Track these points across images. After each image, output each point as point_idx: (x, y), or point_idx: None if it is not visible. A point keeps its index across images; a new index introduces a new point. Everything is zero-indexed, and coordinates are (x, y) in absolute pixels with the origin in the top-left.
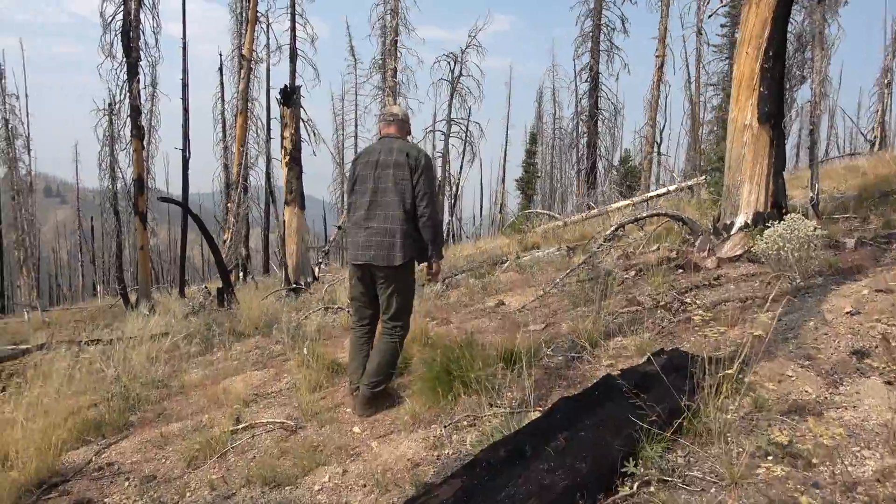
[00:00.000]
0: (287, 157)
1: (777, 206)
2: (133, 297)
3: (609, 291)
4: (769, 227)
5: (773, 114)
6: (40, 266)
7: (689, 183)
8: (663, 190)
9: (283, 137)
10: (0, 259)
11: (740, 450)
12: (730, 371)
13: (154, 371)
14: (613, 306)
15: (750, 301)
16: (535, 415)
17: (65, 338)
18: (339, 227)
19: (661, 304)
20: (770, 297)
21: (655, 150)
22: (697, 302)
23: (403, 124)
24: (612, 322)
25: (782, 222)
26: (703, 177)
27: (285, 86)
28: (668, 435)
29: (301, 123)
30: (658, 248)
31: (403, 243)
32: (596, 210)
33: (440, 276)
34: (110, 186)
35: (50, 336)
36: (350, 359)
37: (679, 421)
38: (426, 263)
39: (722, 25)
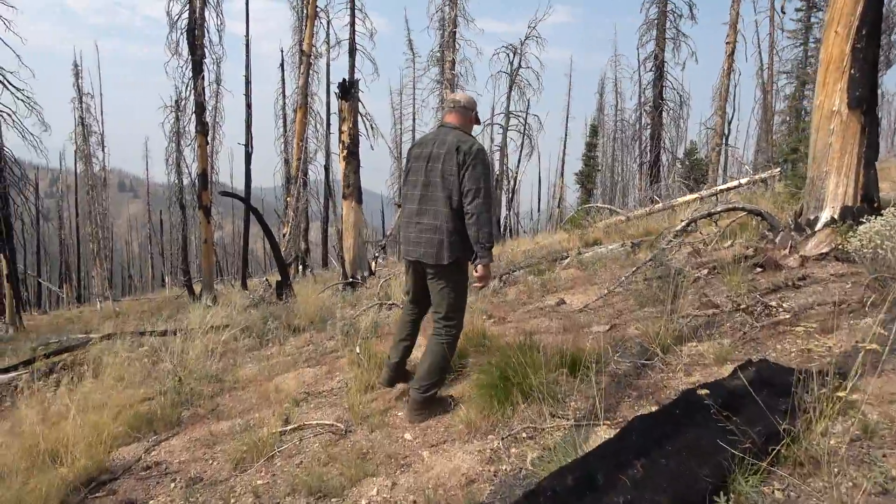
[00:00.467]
0: (345, 151)
1: (868, 200)
2: (198, 289)
3: (680, 291)
4: (861, 222)
5: (864, 98)
6: (113, 258)
7: (763, 175)
8: (734, 183)
9: (340, 132)
10: (77, 251)
11: (851, 484)
12: (837, 389)
13: (209, 365)
14: (686, 308)
15: (844, 305)
16: (602, 430)
17: (130, 328)
18: (386, 236)
19: (742, 306)
20: (868, 302)
21: (724, 141)
22: (784, 305)
23: (466, 111)
24: (685, 325)
25: (880, 217)
26: (778, 168)
27: (343, 80)
28: (764, 465)
29: (359, 117)
30: (732, 245)
31: (451, 242)
32: (661, 204)
33: (488, 281)
34: (176, 181)
35: (117, 326)
36: (395, 333)
37: (777, 448)
38: (474, 268)
39: (797, 9)
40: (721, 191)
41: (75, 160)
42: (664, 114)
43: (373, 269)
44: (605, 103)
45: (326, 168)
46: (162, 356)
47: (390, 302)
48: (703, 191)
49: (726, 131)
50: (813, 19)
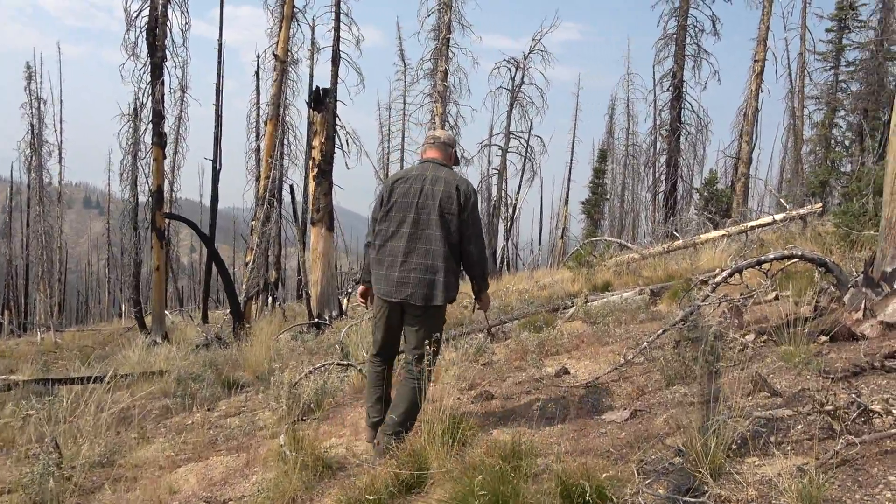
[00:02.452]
0: (315, 170)
1: None
2: (150, 321)
3: (721, 366)
4: None
5: None
6: (66, 282)
7: (802, 211)
8: (767, 219)
9: (311, 146)
10: (26, 274)
11: None
12: None
13: (109, 437)
14: (732, 392)
15: None
16: None
17: (60, 368)
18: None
19: (826, 407)
20: None
21: (748, 170)
22: (894, 406)
23: (447, 148)
24: (736, 423)
25: None
26: (820, 204)
27: (316, 87)
28: None
29: (337, 131)
30: (776, 299)
31: (447, 282)
32: (681, 241)
33: (488, 306)
34: (131, 198)
35: (45, 364)
36: (367, 394)
37: None
38: (475, 298)
39: (827, 30)
40: (752, 227)
41: (29, 172)
42: (682, 138)
43: (344, 307)
44: (616, 126)
45: (292, 189)
46: (50, 425)
47: (347, 362)
48: (731, 227)
49: (751, 159)
50: (845, 41)
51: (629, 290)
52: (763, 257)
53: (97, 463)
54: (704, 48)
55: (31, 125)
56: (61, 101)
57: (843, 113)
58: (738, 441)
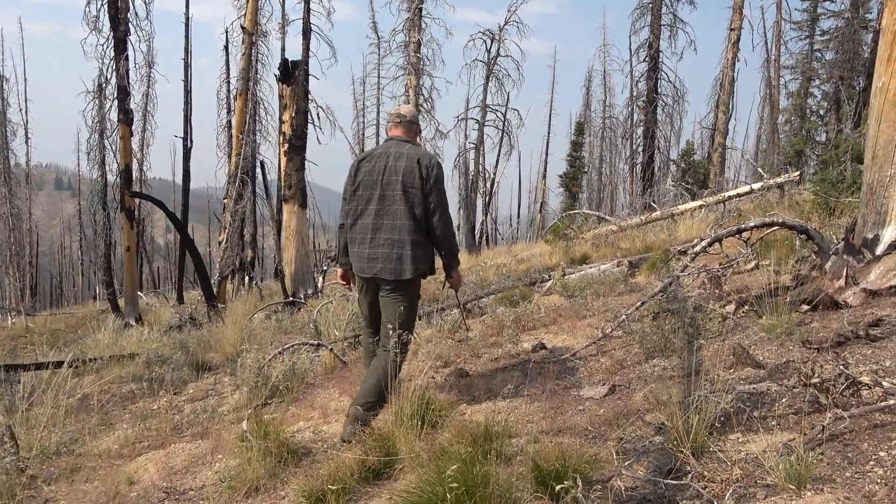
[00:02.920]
0: (286, 145)
1: None
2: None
3: (702, 337)
4: None
5: None
6: (38, 265)
7: (780, 180)
8: (745, 188)
9: (281, 121)
10: None
11: None
12: None
13: (70, 424)
14: (713, 365)
15: None
16: None
17: (28, 353)
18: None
19: (813, 379)
20: None
21: (726, 140)
22: (885, 382)
23: (411, 125)
24: (718, 399)
25: None
26: (798, 172)
27: (284, 59)
28: None
29: (310, 106)
30: (756, 268)
31: (414, 255)
32: (658, 212)
33: (460, 285)
34: (99, 178)
35: (14, 349)
36: (364, 362)
37: None
38: (445, 275)
39: None
40: (729, 197)
41: (4, 154)
42: (659, 109)
43: (319, 285)
44: (593, 98)
45: (262, 165)
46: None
47: (317, 342)
48: (709, 197)
49: (728, 130)
50: (820, 10)
51: (607, 262)
52: (743, 225)
53: (55, 453)
54: (681, 17)
55: None
56: (25, 78)
57: (817, 82)
58: (721, 417)
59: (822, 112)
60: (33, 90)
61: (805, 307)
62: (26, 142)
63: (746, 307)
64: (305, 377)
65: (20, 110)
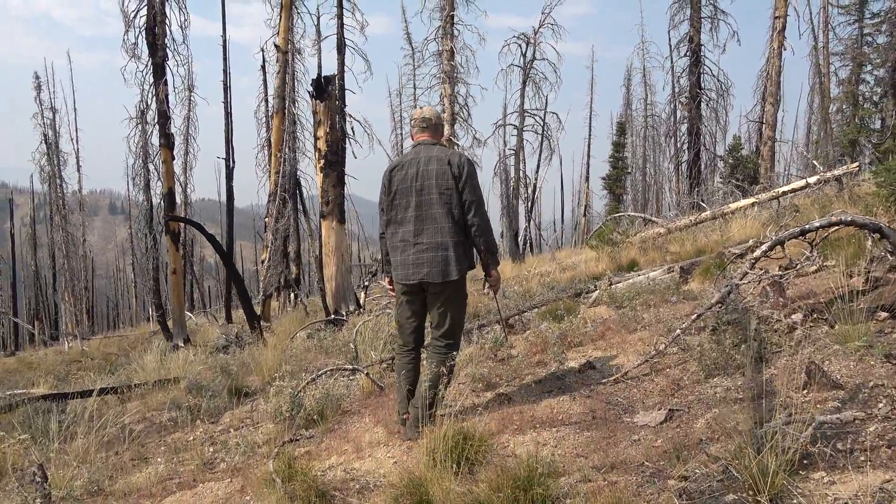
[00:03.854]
0: (321, 161)
1: None
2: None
3: (768, 353)
4: None
5: None
6: (94, 289)
7: (837, 172)
8: (800, 183)
9: (316, 137)
10: (54, 283)
11: None
12: None
13: (103, 458)
14: (785, 385)
15: None
16: None
17: (81, 379)
18: (379, 261)
19: None
20: None
21: (777, 134)
22: None
23: (437, 128)
24: (797, 431)
25: None
26: (856, 164)
27: (318, 75)
28: None
29: (346, 120)
30: (820, 270)
31: (458, 256)
32: (708, 212)
33: (499, 285)
34: (145, 201)
35: (72, 374)
36: (398, 387)
37: None
38: (485, 274)
39: None
40: (783, 193)
41: (50, 182)
42: (703, 105)
43: (361, 301)
44: (633, 97)
45: (298, 182)
46: (43, 447)
47: (352, 366)
48: (761, 194)
49: (776, 122)
50: None
51: (656, 268)
52: (807, 226)
53: (86, 491)
54: (721, 8)
55: (45, 135)
56: (75, 109)
57: (869, 67)
58: (800, 444)
59: (875, 98)
60: (85, 118)
61: (883, 314)
62: (78, 170)
63: (815, 315)
64: (341, 404)
65: (71, 140)
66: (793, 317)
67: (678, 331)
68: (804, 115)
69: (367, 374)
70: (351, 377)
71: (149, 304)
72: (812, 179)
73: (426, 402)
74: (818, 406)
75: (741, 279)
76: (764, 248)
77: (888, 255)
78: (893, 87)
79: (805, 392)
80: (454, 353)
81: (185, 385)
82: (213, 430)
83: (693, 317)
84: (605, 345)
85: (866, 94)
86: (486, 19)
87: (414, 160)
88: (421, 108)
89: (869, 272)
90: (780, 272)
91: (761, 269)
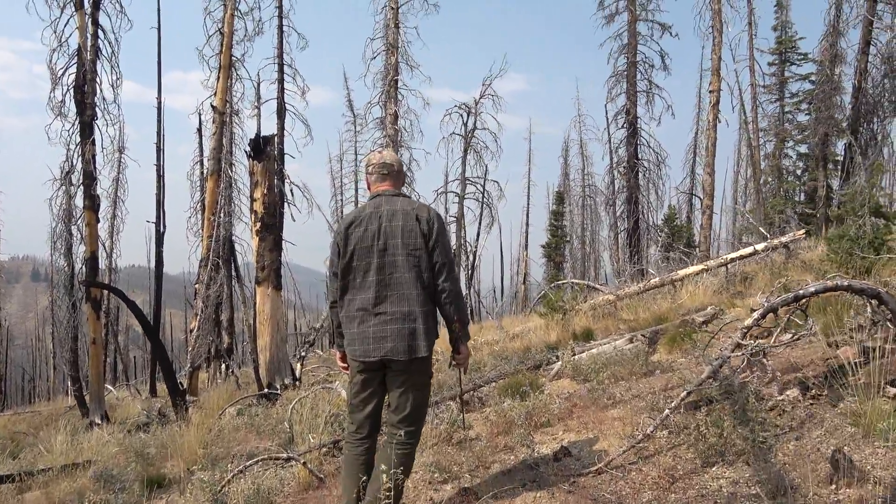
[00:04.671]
0: (258, 224)
1: None
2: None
3: (770, 435)
4: None
5: None
6: (8, 360)
7: (785, 239)
8: (748, 249)
9: (252, 199)
10: None
11: None
12: None
13: None
14: (801, 475)
15: None
16: None
17: None
18: (316, 329)
19: None
20: None
21: (719, 201)
22: None
23: (399, 176)
24: None
25: None
26: (803, 231)
27: (256, 135)
28: None
29: (285, 183)
30: (795, 339)
31: (427, 328)
32: (657, 279)
33: (468, 363)
34: (66, 267)
35: None
36: (345, 483)
37: None
38: (453, 350)
39: (770, 63)
40: (731, 259)
41: None
42: (640, 175)
43: (297, 373)
44: (571, 167)
45: (232, 246)
46: None
47: (286, 455)
48: (711, 261)
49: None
50: (787, 73)
51: (617, 337)
52: (801, 291)
53: None
54: (656, 83)
55: None
56: None
57: (791, 143)
58: None
59: (798, 172)
60: (7, 183)
61: (893, 390)
62: None
63: (814, 392)
64: (273, 500)
65: None
66: (787, 393)
67: (667, 411)
68: (731, 185)
69: (305, 463)
70: (284, 465)
71: (67, 376)
72: (760, 246)
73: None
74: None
75: (732, 351)
76: (756, 315)
77: (888, 323)
78: (823, 160)
79: (834, 488)
80: (415, 442)
81: (93, 473)
82: None
83: (683, 394)
84: (576, 425)
85: (789, 167)
86: (430, 85)
87: (374, 215)
88: (380, 151)
89: (859, 341)
90: (759, 343)
91: (753, 340)
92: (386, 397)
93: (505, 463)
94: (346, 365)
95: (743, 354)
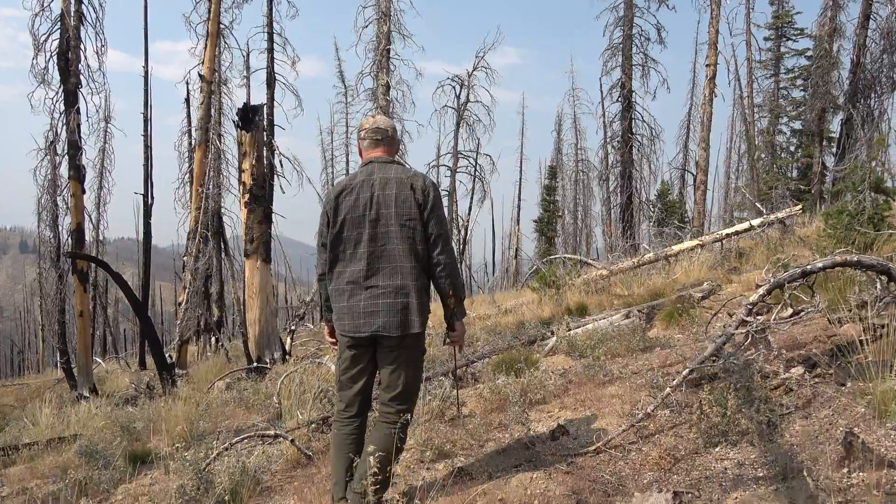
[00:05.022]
0: (246, 196)
1: None
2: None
3: (770, 411)
4: None
5: None
6: None
7: (781, 215)
8: (744, 225)
9: (240, 170)
10: None
11: None
12: None
13: None
14: (812, 457)
15: None
16: None
17: None
18: (307, 303)
19: None
20: None
21: (711, 177)
22: None
23: (393, 142)
24: None
25: None
26: (799, 206)
27: (244, 104)
28: None
29: (275, 155)
30: (795, 314)
31: (421, 303)
32: (651, 254)
33: (464, 340)
34: (52, 238)
35: None
36: (334, 463)
37: None
38: (447, 327)
39: (766, 38)
40: (727, 235)
41: None
42: (634, 149)
43: (287, 347)
44: (564, 142)
45: (220, 218)
46: None
47: (273, 432)
48: (706, 236)
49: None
50: (783, 48)
51: (612, 312)
52: (809, 266)
53: None
54: (652, 56)
55: None
56: None
57: (785, 119)
58: None
59: (792, 149)
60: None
61: None
62: None
63: (820, 370)
64: (260, 479)
65: None
66: (792, 371)
67: (668, 389)
68: (724, 162)
69: (292, 441)
70: (272, 442)
71: (55, 349)
72: (756, 222)
73: (371, 486)
74: (875, 494)
75: (736, 328)
76: (762, 291)
77: (889, 296)
78: (819, 136)
79: (846, 471)
80: (407, 420)
81: (78, 448)
82: None
83: (685, 372)
84: (573, 402)
85: (783, 144)
86: (422, 62)
87: (366, 183)
88: (373, 115)
89: (864, 318)
90: (762, 319)
91: (759, 316)
92: (377, 374)
93: (500, 441)
94: (334, 340)
95: (747, 331)
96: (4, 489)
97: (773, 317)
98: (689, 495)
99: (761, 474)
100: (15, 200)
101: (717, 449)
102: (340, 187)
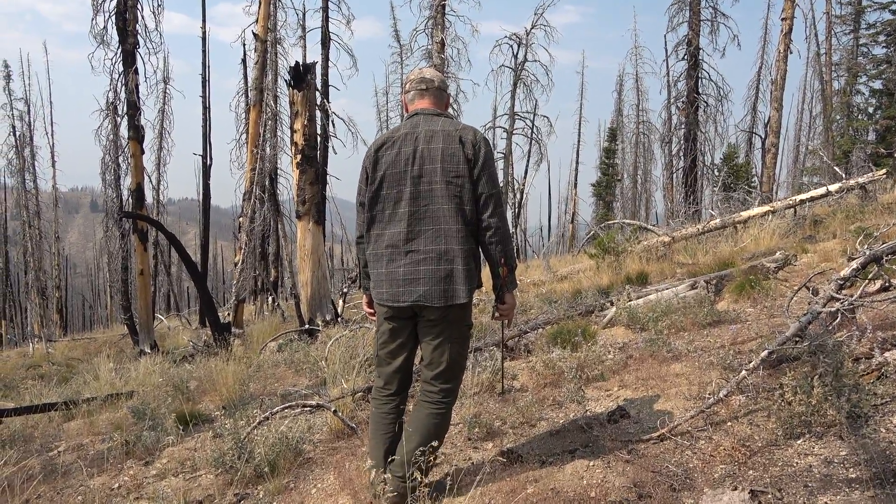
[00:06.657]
0: (298, 156)
1: None
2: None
3: (864, 405)
4: None
5: None
6: (68, 288)
7: (862, 180)
8: (821, 190)
9: (293, 130)
10: (19, 283)
11: None
12: None
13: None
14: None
15: None
16: None
17: (27, 389)
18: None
19: None
20: None
21: (781, 140)
22: None
23: (441, 94)
24: None
25: None
26: (883, 171)
27: (297, 63)
28: None
29: (329, 116)
30: (885, 289)
31: (468, 270)
32: (718, 220)
33: (514, 314)
34: (115, 198)
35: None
36: (372, 443)
37: None
38: (496, 299)
39: None
40: (801, 201)
41: (19, 176)
42: (700, 111)
43: (339, 310)
44: (625, 103)
45: (273, 179)
46: None
47: (315, 403)
48: (777, 202)
49: (775, 128)
50: (865, 2)
51: (676, 282)
52: None
53: None
54: (721, 11)
55: (13, 126)
56: (50, 102)
57: (864, 79)
58: None
59: (870, 110)
60: (68, 114)
61: None
62: (52, 164)
63: None
64: (302, 449)
65: (46, 133)
66: (886, 354)
67: (744, 372)
68: (794, 124)
69: (335, 411)
70: (312, 415)
71: (120, 305)
72: (833, 187)
73: (412, 469)
74: None
75: (824, 305)
76: (855, 265)
77: None
78: None
79: None
80: (451, 401)
81: (130, 407)
82: (144, 475)
83: (763, 353)
84: (633, 380)
85: (861, 105)
86: (478, 18)
87: (410, 136)
88: (421, 68)
89: None
90: (833, 288)
91: (849, 294)
92: (418, 349)
93: (553, 421)
94: (373, 311)
95: (836, 309)
96: (62, 444)
97: (859, 291)
98: (770, 495)
99: (854, 475)
100: (84, 162)
101: (799, 442)
102: (381, 140)
